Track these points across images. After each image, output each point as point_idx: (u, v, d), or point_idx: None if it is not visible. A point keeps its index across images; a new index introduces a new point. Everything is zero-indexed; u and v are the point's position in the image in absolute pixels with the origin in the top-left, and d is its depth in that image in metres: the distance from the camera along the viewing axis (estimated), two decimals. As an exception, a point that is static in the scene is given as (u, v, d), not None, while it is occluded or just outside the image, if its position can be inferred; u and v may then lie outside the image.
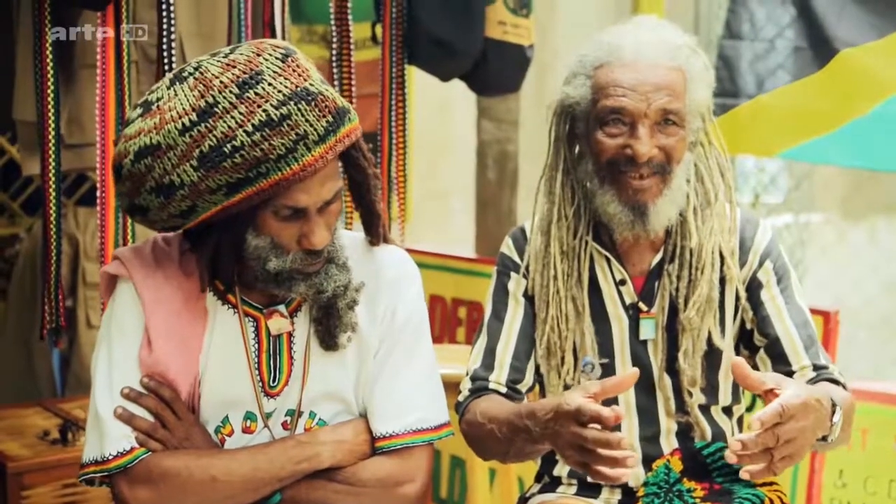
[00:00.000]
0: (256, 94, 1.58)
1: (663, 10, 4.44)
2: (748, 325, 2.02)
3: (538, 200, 2.09)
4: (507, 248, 2.11)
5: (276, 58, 1.62)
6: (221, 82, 1.59)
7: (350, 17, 3.22)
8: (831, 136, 3.19)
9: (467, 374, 2.07)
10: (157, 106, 1.62)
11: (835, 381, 1.96)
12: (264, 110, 1.57)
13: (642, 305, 2.01)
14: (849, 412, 1.88)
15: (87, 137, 2.87)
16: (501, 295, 2.08)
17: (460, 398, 2.05)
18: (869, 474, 3.05)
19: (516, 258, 2.09)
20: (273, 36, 3.00)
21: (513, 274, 2.08)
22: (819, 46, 3.26)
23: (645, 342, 2.02)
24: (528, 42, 3.55)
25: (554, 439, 1.71)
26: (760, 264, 2.02)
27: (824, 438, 1.78)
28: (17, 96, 3.03)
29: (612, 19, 5.88)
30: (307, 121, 1.59)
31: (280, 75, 1.60)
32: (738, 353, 2.05)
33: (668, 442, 2.03)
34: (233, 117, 1.57)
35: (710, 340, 1.99)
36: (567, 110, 2.02)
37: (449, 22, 3.32)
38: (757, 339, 2.02)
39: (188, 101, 1.59)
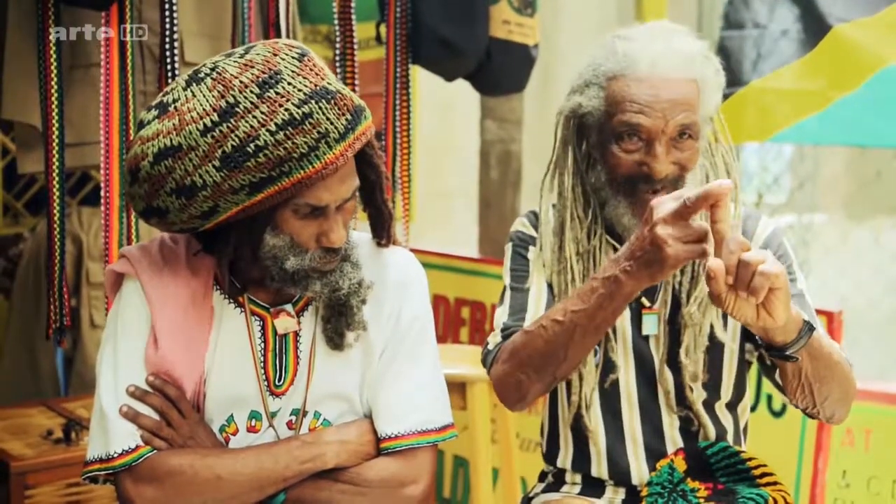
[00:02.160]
0: (277, 93, 1.58)
1: (665, 10, 4.45)
2: None
3: (542, 196, 2.09)
4: (523, 225, 2.11)
5: (293, 57, 1.63)
6: (241, 82, 1.59)
7: (354, 16, 3.22)
8: (821, 116, 3.18)
9: (493, 331, 2.04)
10: (175, 107, 1.62)
11: None
12: (286, 109, 1.57)
13: (645, 301, 2.02)
14: (839, 360, 1.85)
15: (78, 136, 2.86)
16: (521, 264, 2.08)
17: (490, 347, 2.01)
18: (872, 474, 3.04)
19: (533, 233, 2.09)
20: (278, 36, 3.01)
21: (531, 247, 2.08)
22: (813, 25, 3.26)
23: (647, 337, 2.02)
24: (533, 41, 3.55)
25: (654, 256, 1.68)
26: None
27: (786, 349, 1.74)
28: (5, 96, 3.02)
29: (616, 19, 5.89)
30: (328, 119, 1.59)
31: (299, 74, 1.60)
32: (742, 348, 2.05)
33: (672, 438, 2.03)
34: (255, 117, 1.57)
35: (712, 335, 2.00)
36: (578, 118, 2.02)
37: (453, 21, 3.32)
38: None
39: (208, 101, 1.59)
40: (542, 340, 1.88)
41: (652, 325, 2.02)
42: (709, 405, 2.04)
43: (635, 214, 1.94)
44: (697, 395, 2.01)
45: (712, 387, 2.03)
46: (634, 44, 1.95)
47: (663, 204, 1.68)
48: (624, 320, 2.02)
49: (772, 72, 3.35)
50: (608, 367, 2.03)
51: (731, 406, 2.07)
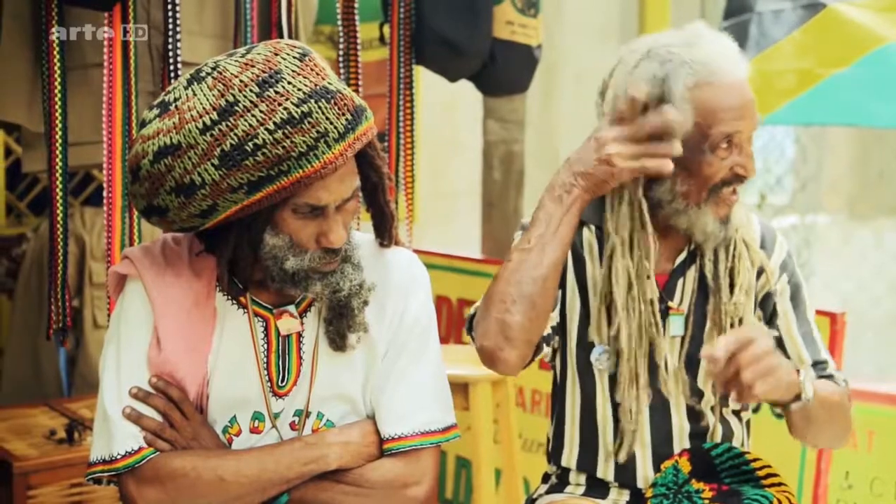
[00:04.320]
0: (276, 92, 1.58)
1: (668, 10, 4.45)
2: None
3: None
4: None
5: (294, 57, 1.63)
6: (241, 81, 1.59)
7: (357, 17, 3.23)
8: (811, 94, 3.16)
9: None
10: (176, 106, 1.63)
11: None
12: (285, 108, 1.58)
13: (671, 303, 2.01)
14: (838, 401, 1.99)
15: (74, 136, 2.86)
16: None
17: (472, 311, 1.99)
18: (875, 476, 3.04)
19: None
20: (280, 36, 3.01)
21: None
22: (807, 5, 3.23)
23: (668, 336, 2.02)
24: (536, 42, 3.55)
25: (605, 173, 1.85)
26: (779, 278, 2.04)
27: (798, 399, 1.88)
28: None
29: (618, 20, 5.88)
30: (327, 118, 1.59)
31: (299, 74, 1.61)
32: None
33: (681, 442, 2.03)
34: (254, 115, 1.57)
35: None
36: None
37: (457, 22, 3.31)
38: None
39: (208, 100, 1.60)
40: (511, 271, 1.88)
41: (678, 325, 2.01)
42: (716, 409, 2.04)
43: (717, 218, 1.94)
44: (707, 399, 2.02)
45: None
46: (703, 50, 1.92)
47: (609, 129, 1.85)
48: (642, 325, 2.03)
49: (761, 53, 3.32)
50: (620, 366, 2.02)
51: (736, 413, 2.09)
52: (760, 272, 2.03)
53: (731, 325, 1.99)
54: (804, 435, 1.99)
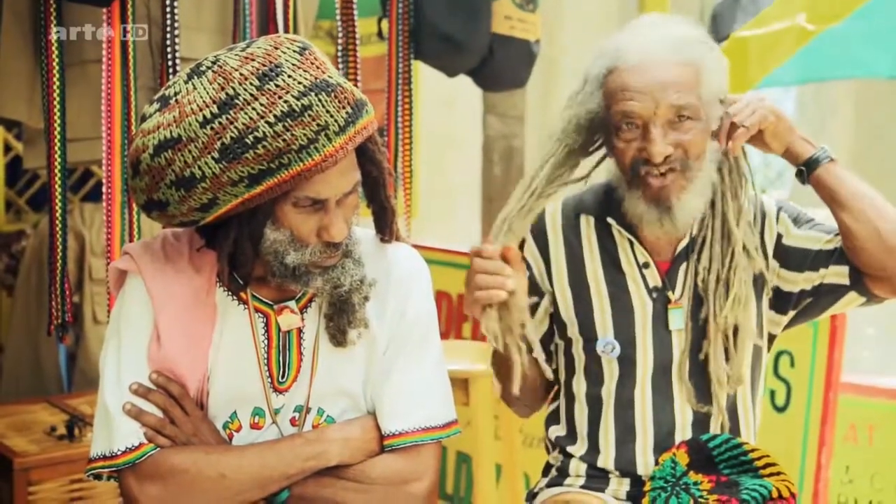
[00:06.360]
0: (277, 85, 1.58)
1: (668, 2, 4.43)
2: (777, 283, 2.04)
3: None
4: (529, 250, 2.12)
5: (294, 51, 1.63)
6: (241, 74, 1.60)
7: (356, 12, 3.22)
8: (803, 52, 3.12)
9: None
10: (176, 100, 1.63)
11: None
12: (286, 101, 1.58)
13: (671, 295, 2.02)
14: (860, 188, 1.99)
15: (73, 133, 2.86)
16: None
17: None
18: (876, 470, 3.04)
19: (529, 261, 2.11)
20: (277, 31, 3.01)
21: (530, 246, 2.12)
22: None
23: (669, 329, 2.02)
24: (535, 37, 3.55)
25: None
26: (777, 220, 2.07)
27: (808, 167, 2.02)
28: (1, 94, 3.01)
29: (617, 13, 5.88)
30: (328, 111, 1.59)
31: (299, 67, 1.61)
32: (770, 342, 2.09)
33: (683, 428, 2.03)
34: (254, 108, 1.57)
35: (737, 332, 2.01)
36: (586, 124, 2.00)
37: (455, 17, 3.31)
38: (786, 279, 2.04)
39: (208, 93, 1.60)
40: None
41: (679, 319, 2.02)
42: (731, 399, 2.05)
43: (647, 200, 1.93)
44: (722, 390, 2.02)
45: (735, 380, 2.04)
46: (625, 36, 1.96)
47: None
48: (644, 309, 2.03)
49: (751, 19, 3.29)
50: (627, 356, 2.03)
51: (753, 399, 2.09)
52: (762, 233, 2.06)
53: (726, 337, 2.00)
54: (865, 220, 1.94)
